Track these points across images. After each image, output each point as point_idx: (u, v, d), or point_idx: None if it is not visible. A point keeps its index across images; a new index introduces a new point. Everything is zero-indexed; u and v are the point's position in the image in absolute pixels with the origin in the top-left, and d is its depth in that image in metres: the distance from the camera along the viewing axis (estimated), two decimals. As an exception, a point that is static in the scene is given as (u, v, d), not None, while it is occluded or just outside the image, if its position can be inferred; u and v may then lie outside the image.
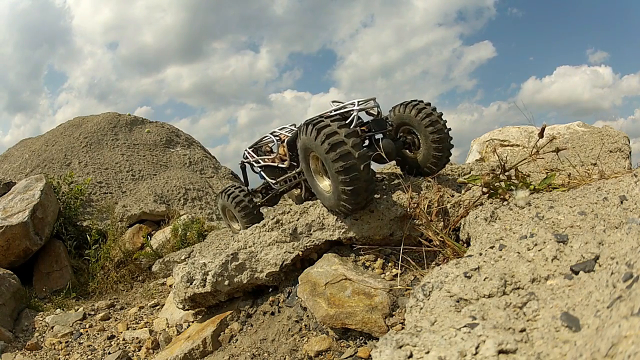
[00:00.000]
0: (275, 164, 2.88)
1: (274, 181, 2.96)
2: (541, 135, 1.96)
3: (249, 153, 3.24)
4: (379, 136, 2.45)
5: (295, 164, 2.65)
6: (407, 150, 2.56)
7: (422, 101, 2.46)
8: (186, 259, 3.99)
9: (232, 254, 2.37)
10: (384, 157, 2.39)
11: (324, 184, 2.16)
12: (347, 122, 2.27)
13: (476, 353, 0.76)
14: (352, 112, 2.41)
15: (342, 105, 2.52)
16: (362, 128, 2.40)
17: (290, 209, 2.58)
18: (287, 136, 2.79)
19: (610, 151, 2.66)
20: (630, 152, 2.68)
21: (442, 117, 2.40)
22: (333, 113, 2.38)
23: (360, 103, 2.45)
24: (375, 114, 2.49)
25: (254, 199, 3.20)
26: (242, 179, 3.43)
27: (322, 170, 2.15)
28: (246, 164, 3.32)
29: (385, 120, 2.47)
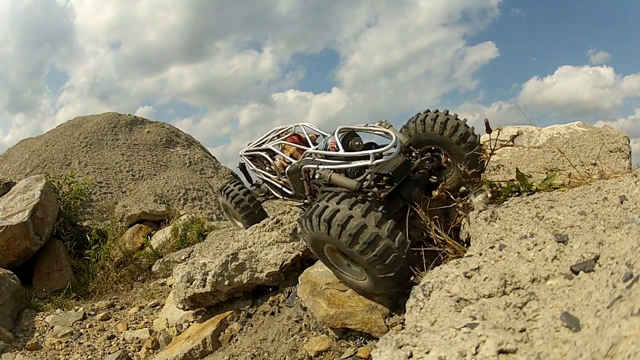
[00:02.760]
0: (279, 187, 2.67)
1: (278, 194, 2.78)
2: (488, 130, 1.94)
3: (247, 162, 3.10)
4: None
5: (302, 194, 2.39)
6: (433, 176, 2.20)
7: (446, 113, 2.14)
8: (186, 259, 3.99)
9: (232, 254, 2.37)
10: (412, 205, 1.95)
11: (353, 271, 1.84)
12: (360, 181, 1.87)
13: (476, 353, 0.76)
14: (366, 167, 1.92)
15: (347, 165, 1.98)
16: (380, 183, 1.93)
17: (291, 209, 2.58)
18: (284, 146, 2.65)
19: (610, 151, 2.66)
20: (630, 152, 2.68)
21: (474, 130, 2.08)
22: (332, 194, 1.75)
23: (376, 155, 1.90)
24: (394, 143, 1.98)
25: (254, 197, 3.06)
26: (243, 178, 3.31)
27: (344, 258, 1.85)
28: (244, 164, 3.18)
29: (408, 162, 1.99)
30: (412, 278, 1.67)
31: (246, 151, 3.10)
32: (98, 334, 3.11)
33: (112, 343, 2.93)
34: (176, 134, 7.47)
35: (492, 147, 1.98)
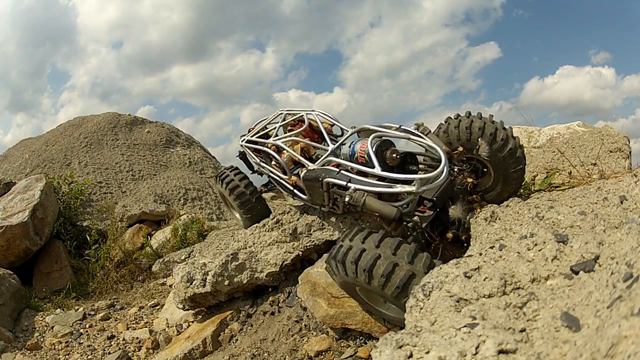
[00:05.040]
0: (290, 188, 2.33)
1: (287, 194, 2.51)
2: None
3: (249, 154, 2.77)
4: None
5: (319, 202, 2.15)
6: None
7: (480, 117, 1.87)
8: (186, 259, 3.99)
9: (232, 254, 2.37)
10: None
11: (393, 309, 1.69)
12: (400, 208, 1.64)
13: (476, 353, 0.76)
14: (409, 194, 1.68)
15: (387, 190, 1.68)
16: (422, 209, 1.75)
17: (291, 209, 2.58)
18: (294, 140, 2.34)
19: (610, 151, 2.66)
20: (630, 152, 2.68)
21: (518, 139, 1.89)
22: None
23: (422, 181, 1.62)
24: (442, 169, 1.68)
25: (256, 189, 2.74)
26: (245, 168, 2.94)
27: (379, 297, 1.66)
28: (244, 152, 2.85)
29: (452, 182, 1.77)
30: None
31: (247, 141, 2.74)
32: (98, 334, 3.11)
33: (112, 343, 2.93)
34: (176, 134, 7.47)
35: None
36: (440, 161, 1.69)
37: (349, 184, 1.79)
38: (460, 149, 1.88)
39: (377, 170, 1.72)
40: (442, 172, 1.64)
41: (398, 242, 1.43)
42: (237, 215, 2.95)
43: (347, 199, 1.74)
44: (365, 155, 1.86)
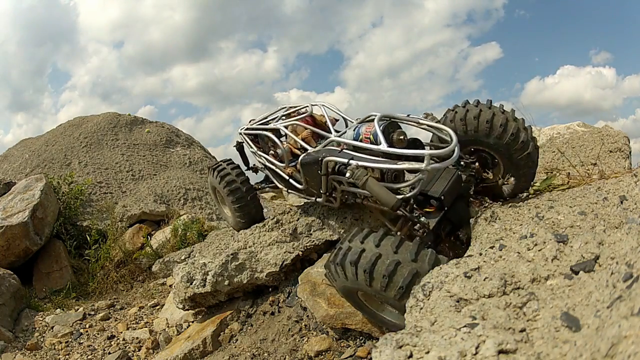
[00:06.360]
0: (286, 178, 2.25)
1: (281, 186, 2.42)
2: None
3: (247, 143, 2.64)
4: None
5: (314, 191, 2.05)
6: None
7: (489, 105, 1.76)
8: (186, 259, 3.98)
9: (232, 254, 2.37)
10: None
11: (394, 314, 1.62)
12: (410, 190, 1.56)
13: (476, 353, 0.76)
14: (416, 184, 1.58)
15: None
16: (430, 208, 1.65)
17: (291, 209, 2.58)
18: (295, 127, 2.23)
19: (610, 151, 2.66)
20: (630, 152, 2.68)
21: (530, 131, 1.77)
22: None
23: (432, 158, 1.52)
24: (454, 147, 1.58)
25: (251, 185, 2.64)
26: (241, 162, 2.84)
27: (381, 301, 1.60)
28: (243, 143, 2.74)
29: (460, 177, 1.70)
30: None
31: (247, 129, 2.60)
32: (98, 334, 3.11)
33: (112, 343, 2.93)
34: (176, 134, 7.47)
35: None
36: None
37: (351, 161, 1.67)
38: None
39: (384, 146, 1.62)
40: (454, 150, 1.54)
41: (417, 248, 1.34)
42: (227, 211, 2.81)
43: (347, 175, 1.61)
44: (371, 136, 1.75)
